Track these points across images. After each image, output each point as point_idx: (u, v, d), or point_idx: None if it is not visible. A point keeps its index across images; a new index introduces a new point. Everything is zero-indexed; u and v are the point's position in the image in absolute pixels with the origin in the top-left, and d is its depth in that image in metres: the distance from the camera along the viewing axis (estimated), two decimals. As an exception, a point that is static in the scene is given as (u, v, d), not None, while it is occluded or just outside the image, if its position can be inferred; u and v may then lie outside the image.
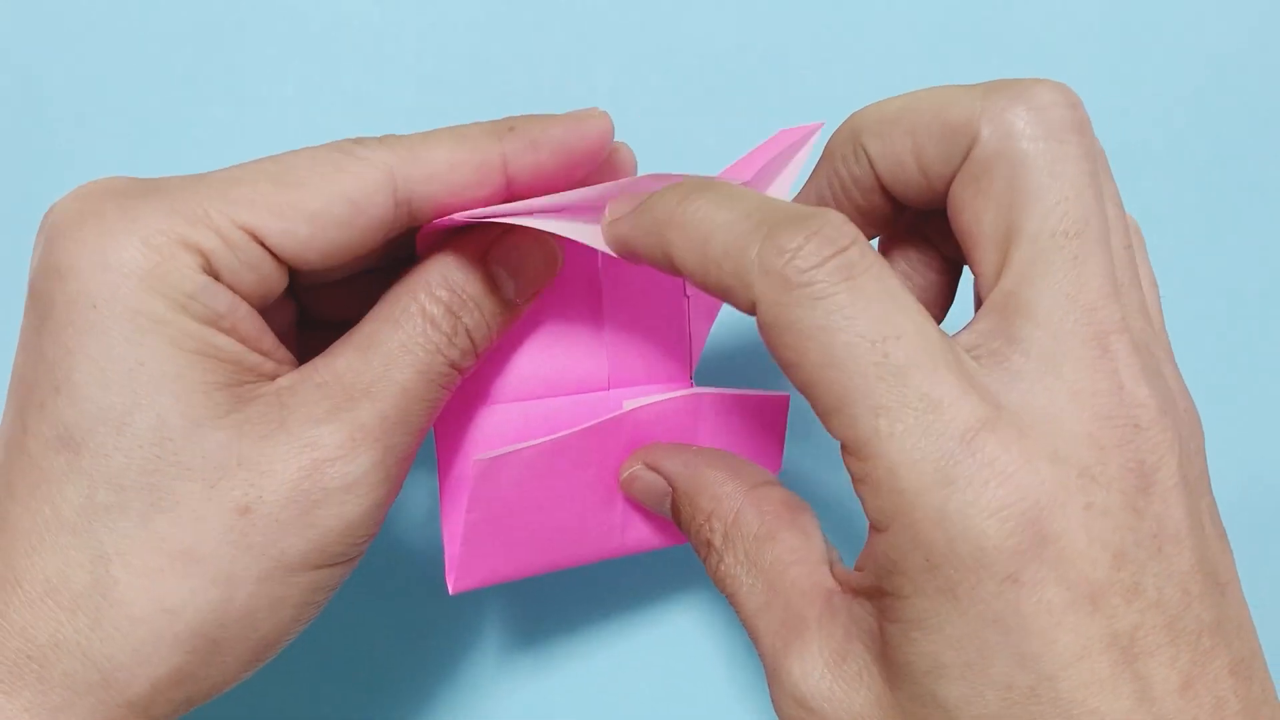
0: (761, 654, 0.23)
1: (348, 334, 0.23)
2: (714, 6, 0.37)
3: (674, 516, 0.26)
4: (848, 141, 0.24)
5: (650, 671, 0.35)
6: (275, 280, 0.22)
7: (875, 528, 0.20)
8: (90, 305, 0.20)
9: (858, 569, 0.22)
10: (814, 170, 0.25)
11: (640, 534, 0.28)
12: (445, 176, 0.22)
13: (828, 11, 0.37)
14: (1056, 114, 0.21)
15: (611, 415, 0.26)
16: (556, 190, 0.23)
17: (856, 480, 0.20)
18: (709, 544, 0.25)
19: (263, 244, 0.21)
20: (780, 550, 0.24)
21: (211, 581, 0.21)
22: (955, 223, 0.22)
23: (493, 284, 0.24)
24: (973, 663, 0.19)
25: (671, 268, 0.22)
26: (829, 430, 0.20)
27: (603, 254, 0.26)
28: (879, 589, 0.20)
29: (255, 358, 0.22)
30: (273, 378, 0.22)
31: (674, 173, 0.23)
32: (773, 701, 0.23)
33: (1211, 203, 0.37)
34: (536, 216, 0.23)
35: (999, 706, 0.19)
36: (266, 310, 0.23)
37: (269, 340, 0.23)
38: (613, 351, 0.27)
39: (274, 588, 0.21)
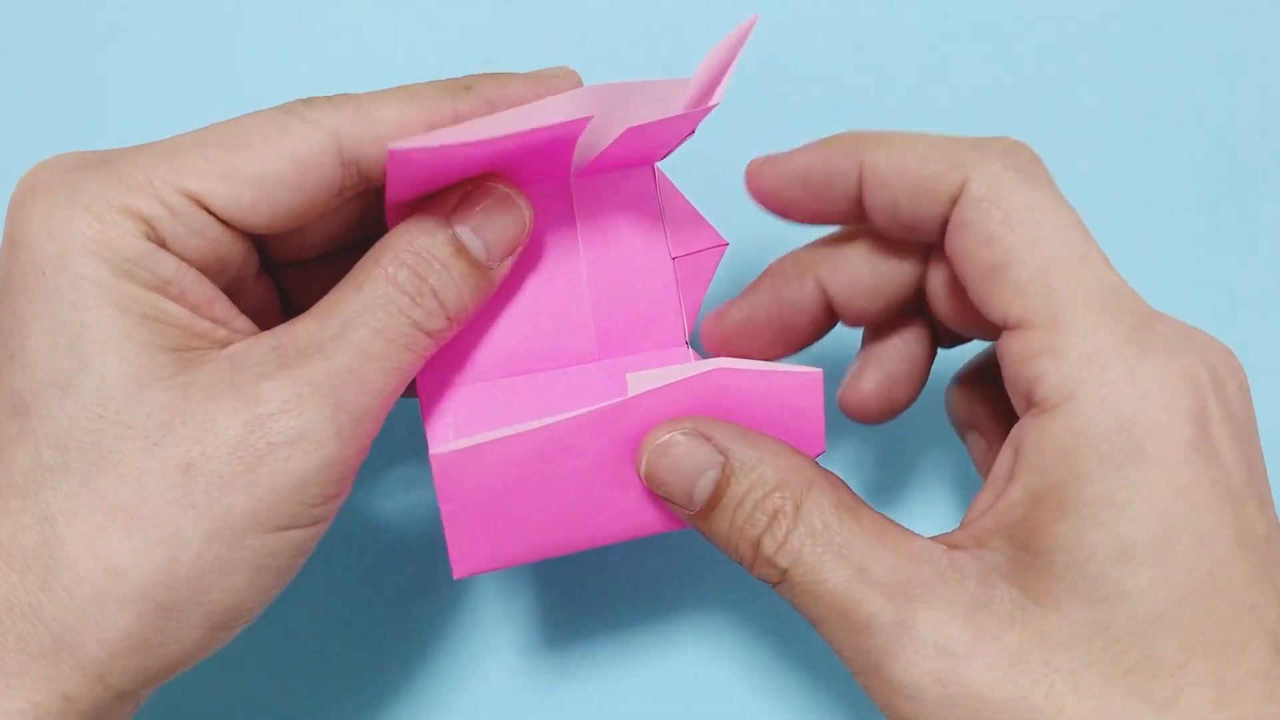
0: (858, 628, 0.22)
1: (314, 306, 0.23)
2: (716, 7, 0.37)
3: (715, 493, 0.24)
4: (794, 270, 0.27)
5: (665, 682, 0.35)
6: (226, 245, 0.22)
7: (1044, 405, 0.21)
8: (40, 272, 0.21)
9: (976, 519, 0.22)
10: (755, 285, 0.28)
11: (660, 513, 0.26)
12: (394, 137, 0.22)
13: (829, 10, 0.37)
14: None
15: (614, 402, 0.24)
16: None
17: (1030, 356, 0.21)
18: (776, 516, 0.23)
19: (208, 209, 0.22)
20: (869, 518, 0.23)
21: (156, 541, 0.21)
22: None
23: (459, 245, 0.23)
24: (1160, 539, 0.20)
25: (853, 183, 0.24)
26: (1006, 307, 0.22)
27: (582, 223, 0.26)
28: (1043, 493, 0.21)
29: (204, 324, 0.22)
30: (226, 344, 0.22)
31: (642, 80, 0.23)
32: (884, 676, 0.22)
33: (1211, 202, 0.37)
34: (496, 127, 0.22)
35: (1181, 594, 0.20)
36: (236, 285, 0.24)
37: (221, 307, 0.23)
38: (600, 319, 0.26)
39: (222, 549, 0.21)
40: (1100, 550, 0.20)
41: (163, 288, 0.21)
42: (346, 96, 0.23)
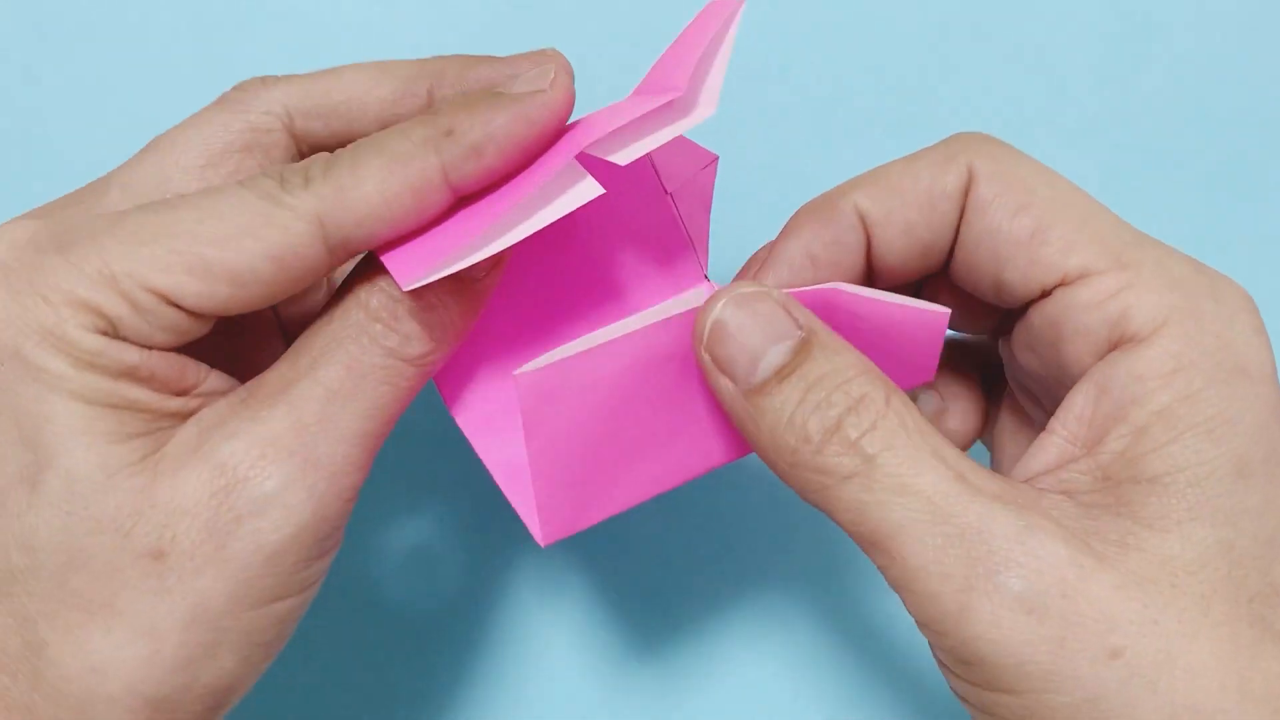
0: (964, 533, 0.19)
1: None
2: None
3: (787, 364, 0.21)
4: (837, 208, 0.24)
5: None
6: (197, 329, 0.21)
7: (1137, 337, 0.21)
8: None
9: (1055, 469, 0.21)
10: (786, 233, 0.25)
11: (729, 439, 0.24)
12: (381, 214, 0.21)
13: (829, 8, 0.37)
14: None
15: (695, 308, 0.22)
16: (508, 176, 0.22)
17: (1108, 297, 0.21)
18: (864, 400, 0.20)
19: (177, 305, 0.20)
20: (951, 444, 0.21)
21: (135, 635, 0.20)
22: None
23: None
24: (1269, 457, 0.20)
25: (859, 236, 0.24)
26: (1062, 262, 0.21)
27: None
28: (1149, 420, 0.20)
29: (174, 402, 0.21)
30: (197, 411, 0.21)
31: (624, 101, 0.22)
32: (995, 588, 0.19)
33: (1211, 203, 0.37)
34: (505, 235, 0.21)
35: None
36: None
37: (192, 372, 0.21)
38: (614, 279, 0.25)
39: (203, 634, 0.20)
40: (1221, 464, 0.19)
41: (130, 373, 0.20)
42: (323, 168, 0.21)
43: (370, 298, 0.21)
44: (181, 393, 0.21)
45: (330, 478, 0.21)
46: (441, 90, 0.24)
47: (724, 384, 0.22)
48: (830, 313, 0.22)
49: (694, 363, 0.23)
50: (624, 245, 0.25)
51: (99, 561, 0.20)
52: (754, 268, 0.25)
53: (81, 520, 0.20)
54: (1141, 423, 0.20)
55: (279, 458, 0.20)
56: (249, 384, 0.22)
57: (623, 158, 0.21)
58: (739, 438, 0.24)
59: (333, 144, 0.24)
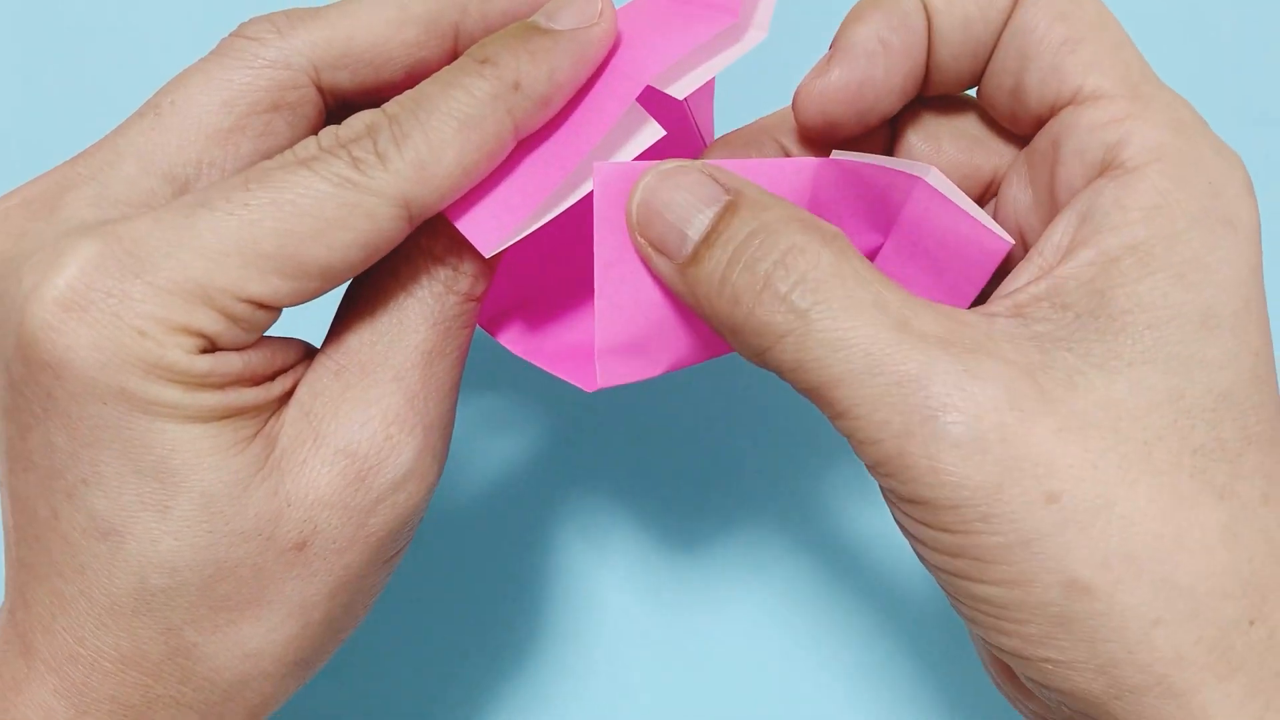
0: (902, 380, 0.19)
1: (349, 295, 0.22)
2: None
3: (710, 230, 0.20)
4: None
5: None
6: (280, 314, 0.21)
7: (1129, 165, 0.20)
8: (99, 401, 0.19)
9: (1016, 291, 0.20)
10: (861, 14, 0.23)
11: None
12: (462, 184, 0.20)
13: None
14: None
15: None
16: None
17: (1112, 121, 0.20)
18: (792, 251, 0.20)
19: (271, 307, 0.20)
20: (896, 286, 0.20)
21: (285, 616, 0.21)
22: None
23: None
24: (1239, 314, 0.19)
25: (923, 26, 0.22)
26: (1083, 77, 0.21)
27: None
28: (1122, 253, 0.19)
29: (275, 388, 0.21)
30: (293, 386, 0.21)
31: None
32: (934, 432, 0.18)
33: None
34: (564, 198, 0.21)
35: (1247, 376, 0.19)
36: None
37: (281, 356, 0.21)
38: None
39: (345, 598, 0.22)
40: (1186, 311, 0.19)
41: (236, 381, 0.20)
42: (398, 145, 0.20)
43: (434, 244, 0.21)
44: (274, 377, 0.21)
45: (443, 433, 0.22)
46: (466, 25, 0.22)
47: (661, 264, 0.21)
48: (899, 206, 0.22)
49: None
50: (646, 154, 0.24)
51: (246, 567, 0.20)
52: (819, 72, 0.23)
53: (224, 536, 0.20)
54: (1114, 253, 0.19)
55: (403, 434, 0.21)
56: (333, 353, 0.21)
57: (679, 90, 0.22)
58: None
59: (357, 93, 0.22)
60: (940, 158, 0.24)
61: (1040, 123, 0.22)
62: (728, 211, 0.20)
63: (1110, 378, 0.19)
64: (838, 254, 0.20)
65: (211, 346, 0.19)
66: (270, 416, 0.21)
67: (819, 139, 0.24)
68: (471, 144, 0.20)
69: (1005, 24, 0.22)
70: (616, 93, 0.21)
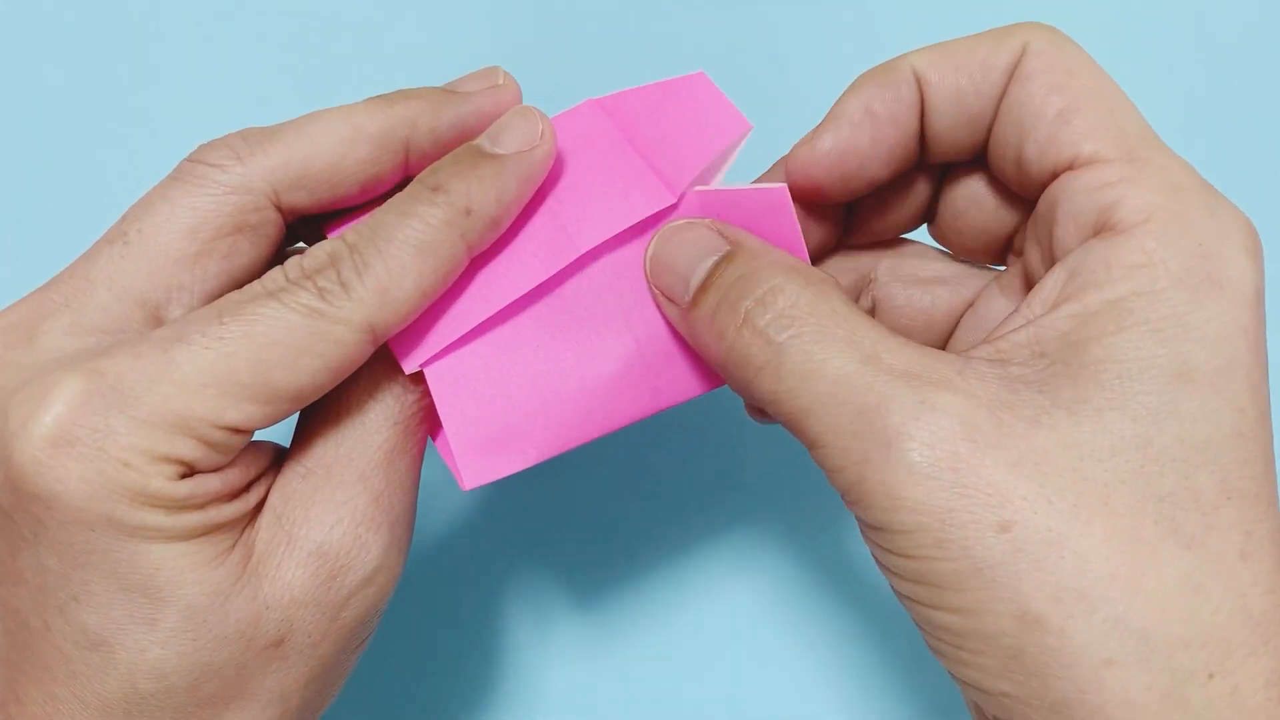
0: (865, 409, 0.20)
1: (317, 402, 0.23)
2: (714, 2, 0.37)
3: (711, 274, 0.22)
4: (896, 69, 0.24)
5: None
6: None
7: (1120, 227, 0.20)
8: (88, 529, 0.20)
9: (997, 339, 0.21)
10: (843, 101, 0.24)
11: (676, 377, 0.24)
12: (420, 306, 0.22)
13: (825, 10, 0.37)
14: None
15: (572, 257, 0.23)
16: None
17: (1106, 184, 0.21)
18: (774, 291, 0.21)
19: (246, 430, 0.21)
20: (877, 321, 0.21)
21: (265, 706, 0.22)
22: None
23: None
24: (1221, 371, 0.19)
25: (914, 99, 0.23)
26: (1078, 145, 0.21)
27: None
28: (1103, 308, 0.20)
29: (253, 497, 0.22)
30: (267, 493, 0.23)
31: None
32: (892, 459, 0.19)
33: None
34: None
35: (1229, 432, 0.19)
36: None
37: (253, 465, 0.22)
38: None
39: (321, 683, 0.23)
40: (1159, 364, 0.19)
41: (214, 499, 0.21)
42: (359, 269, 0.21)
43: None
44: (249, 487, 0.22)
45: (407, 525, 0.23)
46: (416, 140, 0.23)
47: (672, 310, 0.24)
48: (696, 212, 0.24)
49: (617, 301, 0.24)
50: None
51: (229, 667, 0.21)
52: (808, 139, 0.24)
53: (209, 642, 0.21)
54: (1093, 308, 0.20)
55: (370, 533, 0.22)
56: (302, 457, 0.23)
57: (592, 240, 0.24)
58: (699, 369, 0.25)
59: (316, 210, 0.23)
60: (981, 214, 0.25)
61: (1043, 188, 0.23)
62: (725, 260, 0.22)
63: (1075, 420, 0.19)
64: (817, 295, 0.21)
65: (191, 471, 0.21)
66: (246, 526, 0.22)
67: (815, 201, 0.25)
68: (428, 268, 0.22)
69: (1002, 97, 0.23)
70: (543, 239, 0.23)
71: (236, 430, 0.21)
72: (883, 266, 0.27)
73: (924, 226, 0.27)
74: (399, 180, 0.24)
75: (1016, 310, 0.22)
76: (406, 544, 0.24)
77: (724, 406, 0.36)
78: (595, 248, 0.24)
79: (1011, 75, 0.22)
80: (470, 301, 0.23)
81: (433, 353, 0.23)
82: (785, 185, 0.23)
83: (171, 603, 0.20)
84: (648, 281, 0.24)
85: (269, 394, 0.20)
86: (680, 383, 0.24)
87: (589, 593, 0.35)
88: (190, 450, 0.20)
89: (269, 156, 0.22)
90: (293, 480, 0.22)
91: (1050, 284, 0.21)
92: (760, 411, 0.26)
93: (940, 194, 0.26)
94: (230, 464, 0.21)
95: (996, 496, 0.19)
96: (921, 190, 0.26)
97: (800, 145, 0.24)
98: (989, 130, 0.23)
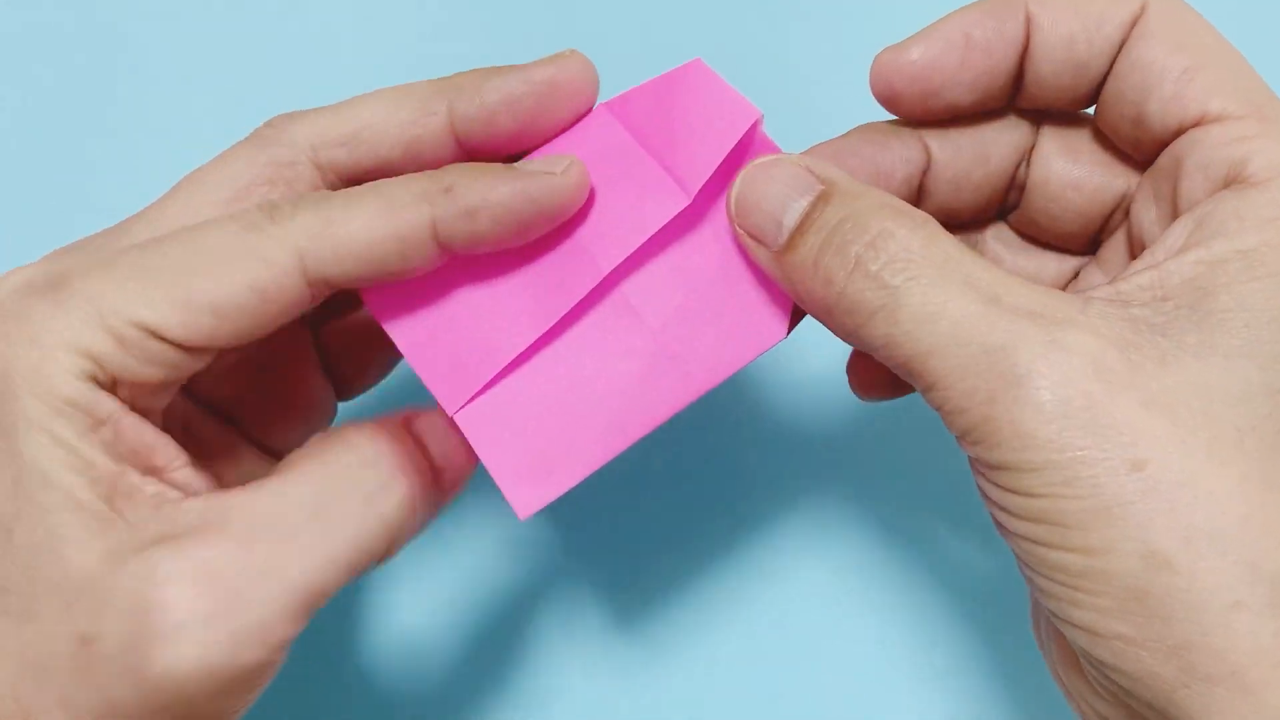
0: (990, 349, 0.19)
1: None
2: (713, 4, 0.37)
3: (805, 217, 0.21)
4: (1010, 2, 0.23)
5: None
6: (189, 363, 0.21)
7: (1252, 180, 0.20)
8: None
9: (1117, 282, 0.21)
10: (961, 10, 0.24)
11: (705, 358, 0.24)
12: (363, 254, 0.21)
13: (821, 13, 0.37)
14: None
15: (597, 280, 0.23)
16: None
17: (1237, 139, 0.21)
18: (883, 234, 0.20)
19: (163, 339, 0.20)
20: (991, 267, 0.21)
21: (57, 702, 0.19)
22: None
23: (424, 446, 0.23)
24: None
25: (1019, 38, 0.23)
26: (1206, 102, 0.21)
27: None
28: (1232, 256, 0.20)
29: (133, 477, 0.20)
30: (158, 500, 0.20)
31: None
32: (1019, 397, 0.19)
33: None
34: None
35: None
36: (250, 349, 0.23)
37: (163, 456, 0.21)
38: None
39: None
40: None
41: (96, 429, 0.20)
42: (314, 201, 0.21)
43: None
44: (149, 472, 0.21)
45: (260, 626, 0.19)
46: (460, 106, 0.23)
47: (760, 252, 0.22)
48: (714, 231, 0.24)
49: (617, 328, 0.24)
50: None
51: (44, 622, 0.19)
52: (898, 46, 0.24)
53: (40, 580, 0.19)
54: (1223, 256, 0.20)
55: (201, 583, 0.19)
56: (229, 496, 0.20)
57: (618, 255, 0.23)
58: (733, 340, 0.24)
59: (358, 171, 0.24)
60: (1076, 170, 0.25)
61: (1163, 145, 0.23)
62: (821, 200, 0.22)
63: (1204, 364, 0.19)
64: (927, 238, 0.20)
65: (100, 370, 0.20)
66: (123, 501, 0.20)
67: (890, 111, 0.25)
68: (380, 219, 0.21)
69: (1118, 52, 0.23)
70: (569, 269, 0.23)
71: (153, 334, 0.20)
72: None
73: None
74: (446, 158, 0.24)
75: (1140, 257, 0.21)
76: (248, 647, 0.19)
77: (732, 414, 0.35)
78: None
79: (1130, 32, 0.23)
80: (504, 337, 0.23)
81: (474, 390, 0.23)
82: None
83: (23, 519, 0.19)
84: (730, 222, 0.23)
85: (186, 299, 0.20)
86: (710, 363, 0.24)
87: (589, 597, 0.34)
88: (99, 342, 0.20)
89: (318, 116, 0.24)
90: (203, 511, 0.20)
91: (1176, 232, 0.21)
92: (866, 385, 0.27)
93: (1029, 166, 0.26)
94: (151, 387, 0.20)
95: (1129, 435, 0.18)
96: (1007, 157, 0.25)
97: (886, 50, 0.24)
98: (1096, 82, 0.23)
